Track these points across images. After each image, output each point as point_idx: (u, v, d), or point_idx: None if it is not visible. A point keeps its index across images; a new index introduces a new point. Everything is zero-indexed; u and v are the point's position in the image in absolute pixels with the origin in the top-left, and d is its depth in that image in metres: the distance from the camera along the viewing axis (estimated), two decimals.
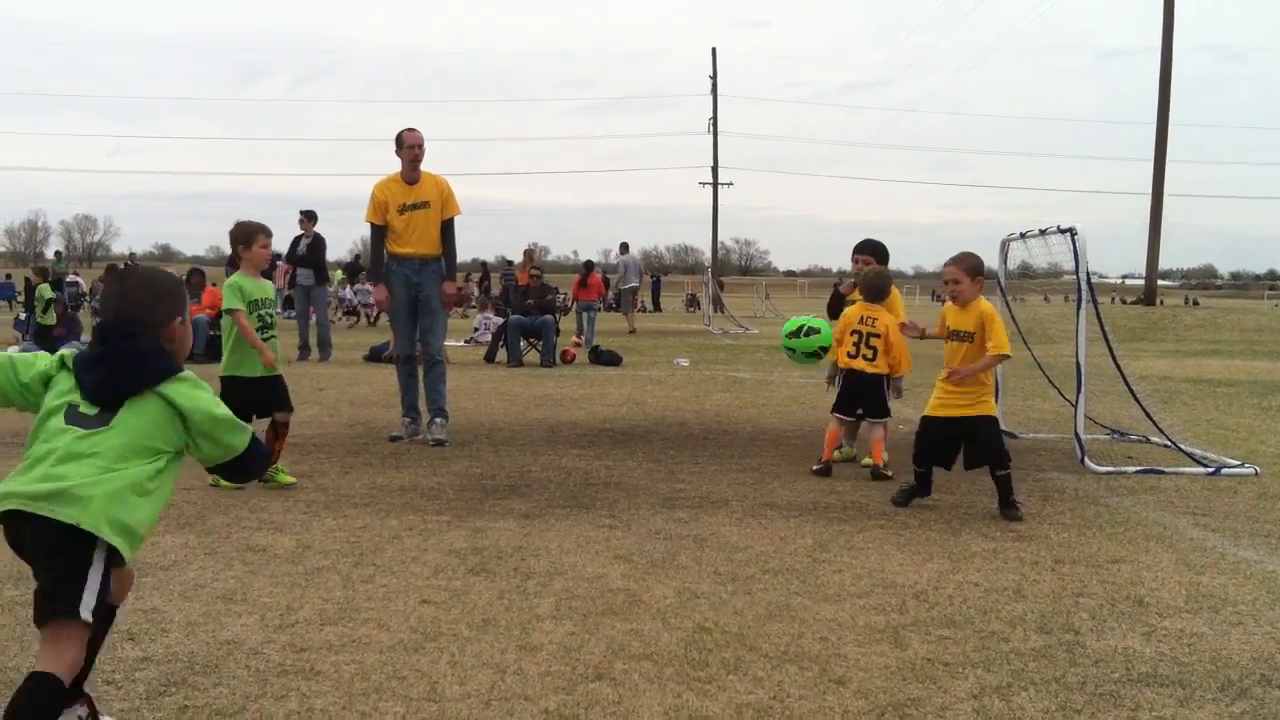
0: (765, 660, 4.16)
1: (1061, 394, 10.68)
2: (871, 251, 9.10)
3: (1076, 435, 8.77)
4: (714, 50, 69.31)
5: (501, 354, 18.67)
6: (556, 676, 3.94)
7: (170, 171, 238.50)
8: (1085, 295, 8.67)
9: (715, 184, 68.79)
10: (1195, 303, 69.05)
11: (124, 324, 3.38)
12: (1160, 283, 40.90)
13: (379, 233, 9.49)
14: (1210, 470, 8.41)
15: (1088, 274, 8.77)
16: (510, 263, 45.02)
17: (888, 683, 3.95)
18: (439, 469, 8.09)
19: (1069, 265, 8.96)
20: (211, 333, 18.02)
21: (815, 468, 8.18)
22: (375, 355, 18.24)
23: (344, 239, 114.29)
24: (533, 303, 18.65)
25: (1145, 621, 4.73)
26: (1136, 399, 9.13)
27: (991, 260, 11.20)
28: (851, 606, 4.88)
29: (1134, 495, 7.60)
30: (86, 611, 3.04)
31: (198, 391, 3.35)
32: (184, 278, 19.19)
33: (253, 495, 7.01)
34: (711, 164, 68.52)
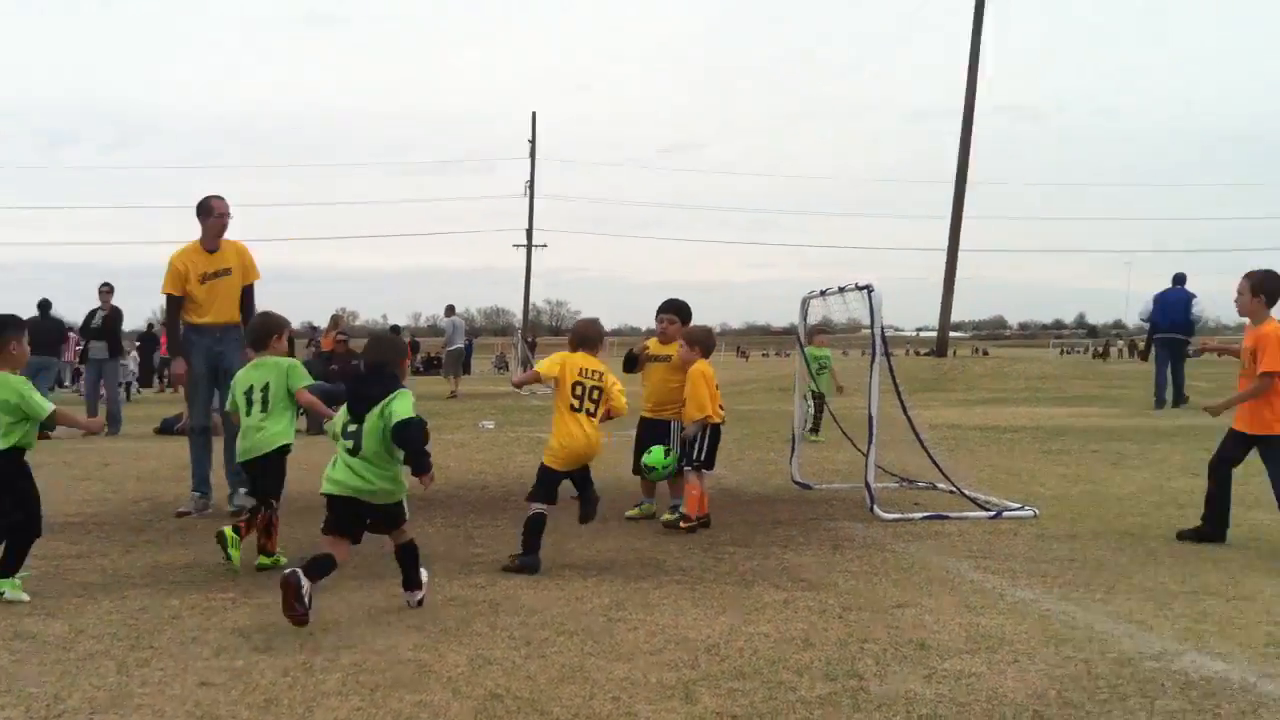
0: None
1: (854, 444, 10.98)
2: (675, 310, 9.21)
3: (866, 484, 9.02)
4: (534, 114, 70.04)
5: (301, 422, 18.25)
6: None
7: None
8: (880, 349, 8.96)
9: (530, 246, 69.22)
10: (985, 353, 72.00)
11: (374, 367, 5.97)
12: (952, 334, 42.63)
13: (176, 304, 9.25)
14: (992, 514, 8.75)
15: (882, 329, 9.07)
16: (315, 329, 44.13)
17: None
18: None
19: (867, 320, 9.26)
20: None
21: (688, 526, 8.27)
22: (166, 428, 17.62)
23: (144, 309, 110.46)
24: (336, 369, 18.32)
25: (926, 664, 4.87)
26: (924, 447, 9.45)
27: (794, 316, 11.48)
28: (644, 663, 4.89)
29: (920, 540, 7.84)
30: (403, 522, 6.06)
31: (404, 403, 5.72)
32: None
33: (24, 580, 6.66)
34: (527, 226, 68.92)
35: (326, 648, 5.15)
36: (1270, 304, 7.65)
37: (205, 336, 9.25)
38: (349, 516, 5.79)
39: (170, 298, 9.25)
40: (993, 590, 6.29)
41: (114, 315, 18.50)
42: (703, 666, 4.85)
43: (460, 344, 30.50)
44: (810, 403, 15.22)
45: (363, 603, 6.05)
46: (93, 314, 18.58)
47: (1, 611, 5.87)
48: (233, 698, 4.45)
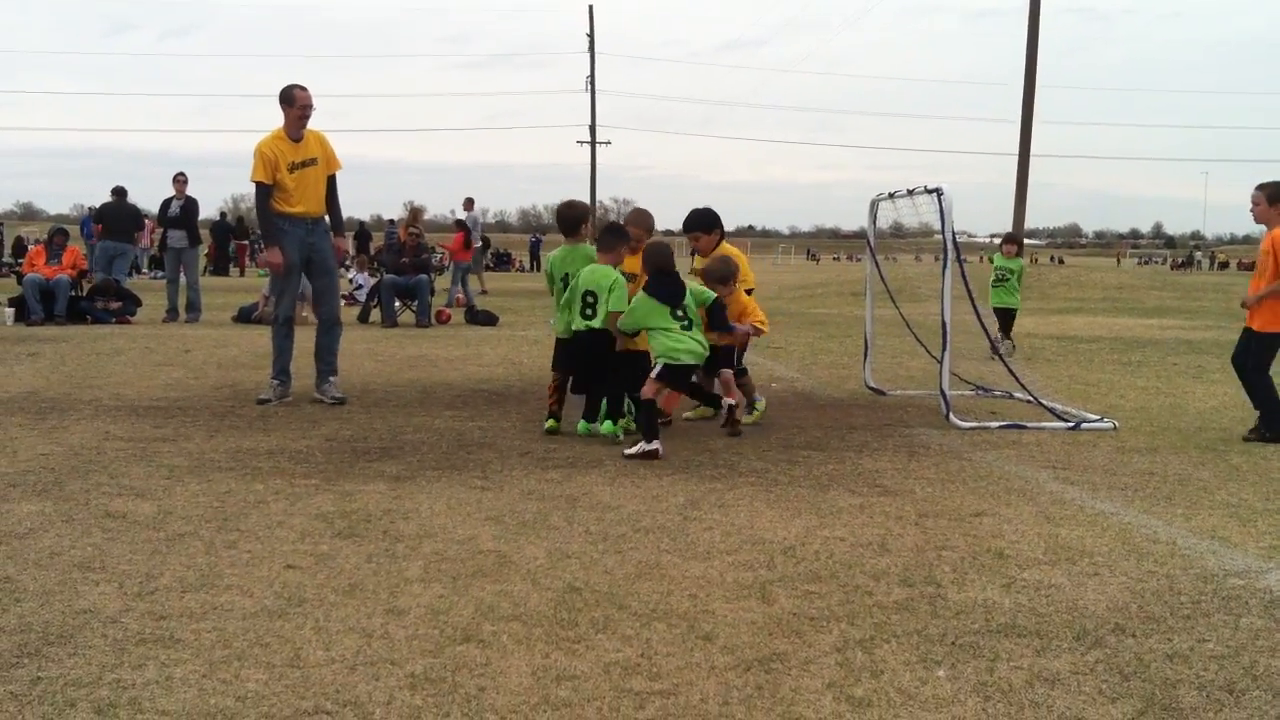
0: (634, 618, 4.17)
1: (928, 351, 10.89)
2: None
3: (941, 391, 8.94)
4: (590, 7, 68.96)
5: (376, 314, 18.43)
6: (424, 640, 3.91)
7: (31, 128, 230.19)
8: (951, 254, 8.83)
9: (593, 143, 68.75)
10: (1060, 261, 70.87)
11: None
12: (1027, 241, 41.86)
13: (266, 191, 9.22)
14: (1070, 425, 8.65)
15: (953, 233, 8.92)
16: (392, 222, 44.10)
17: (754, 638, 3.99)
18: (308, 432, 7.96)
19: (938, 225, 9.11)
20: (71, 293, 17.50)
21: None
22: (244, 316, 17.88)
23: (213, 197, 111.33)
24: (407, 261, 18.41)
25: (1005, 573, 4.85)
26: (999, 355, 9.35)
27: (863, 220, 11.35)
28: (721, 563, 4.92)
29: (997, 450, 7.79)
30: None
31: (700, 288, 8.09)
32: (47, 237, 18.63)
33: (112, 461, 6.82)
34: (590, 122, 68.46)
35: (408, 536, 5.24)
36: None
37: (298, 227, 9.31)
38: (686, 375, 7.88)
39: (260, 185, 9.22)
40: (1072, 501, 6.24)
41: (190, 204, 18.69)
42: (779, 568, 4.87)
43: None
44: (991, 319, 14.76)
45: (442, 493, 6.13)
46: (168, 203, 18.73)
47: (93, 491, 6.02)
48: (319, 581, 4.54)
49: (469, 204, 28.48)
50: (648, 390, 7.54)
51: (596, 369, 8.10)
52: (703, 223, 9.02)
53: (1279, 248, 8.25)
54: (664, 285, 7.81)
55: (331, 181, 9.50)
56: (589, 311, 7.96)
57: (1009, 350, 13.57)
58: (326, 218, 9.52)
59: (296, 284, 9.51)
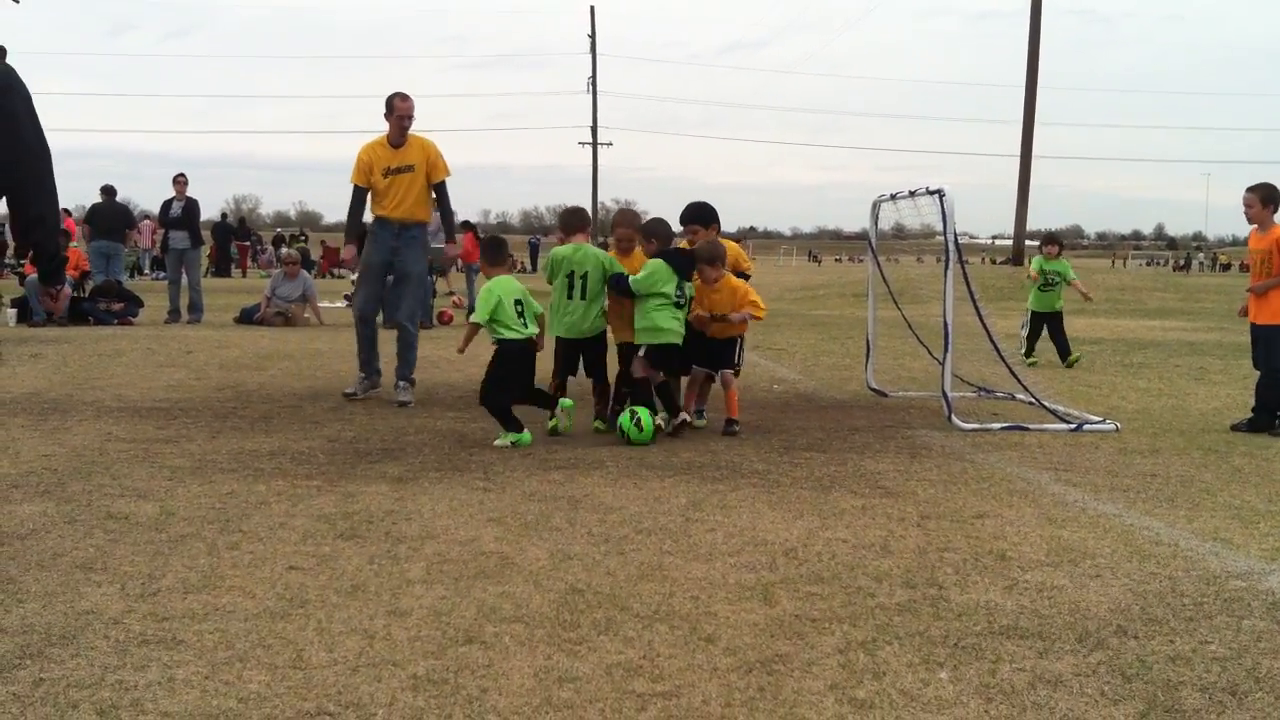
0: (636, 620, 4.17)
1: (930, 353, 10.88)
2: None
3: (944, 393, 8.94)
4: (592, 8, 68.99)
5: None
6: (426, 641, 3.90)
7: None
8: (953, 256, 8.82)
9: (595, 144, 68.83)
10: None
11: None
12: (1028, 243, 41.63)
13: (360, 194, 9.56)
14: (1073, 427, 8.65)
15: (955, 235, 8.92)
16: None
17: (756, 639, 3.98)
18: (310, 433, 7.96)
19: (940, 226, 9.10)
20: (73, 294, 17.50)
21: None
22: (246, 317, 17.87)
23: (214, 198, 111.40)
24: None
25: (1007, 575, 4.84)
26: (1001, 357, 9.33)
27: (865, 221, 11.35)
28: (723, 564, 4.91)
29: (999, 451, 7.79)
30: None
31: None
32: None
33: (115, 462, 6.82)
34: (591, 123, 68.54)
35: (410, 538, 5.23)
36: (1275, 211, 8.77)
37: (386, 231, 9.55)
38: (671, 355, 8.14)
39: (355, 188, 9.57)
40: (1074, 503, 6.24)
41: (192, 205, 18.66)
42: (781, 569, 4.86)
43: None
44: (1027, 322, 14.57)
45: (444, 494, 6.13)
46: (168, 204, 18.70)
47: (95, 492, 6.02)
48: (321, 582, 4.54)
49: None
50: (638, 369, 8.01)
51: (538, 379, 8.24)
52: (700, 216, 8.85)
53: None
54: (677, 256, 8.16)
55: (439, 189, 9.68)
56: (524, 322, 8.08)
57: (1022, 353, 13.52)
58: (432, 223, 9.85)
59: (376, 284, 9.77)
